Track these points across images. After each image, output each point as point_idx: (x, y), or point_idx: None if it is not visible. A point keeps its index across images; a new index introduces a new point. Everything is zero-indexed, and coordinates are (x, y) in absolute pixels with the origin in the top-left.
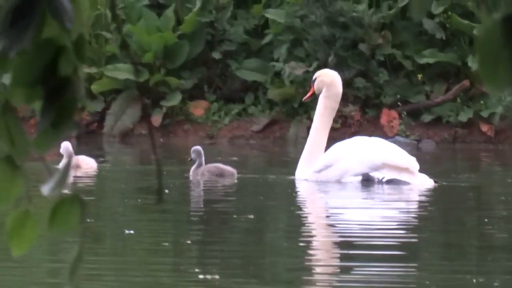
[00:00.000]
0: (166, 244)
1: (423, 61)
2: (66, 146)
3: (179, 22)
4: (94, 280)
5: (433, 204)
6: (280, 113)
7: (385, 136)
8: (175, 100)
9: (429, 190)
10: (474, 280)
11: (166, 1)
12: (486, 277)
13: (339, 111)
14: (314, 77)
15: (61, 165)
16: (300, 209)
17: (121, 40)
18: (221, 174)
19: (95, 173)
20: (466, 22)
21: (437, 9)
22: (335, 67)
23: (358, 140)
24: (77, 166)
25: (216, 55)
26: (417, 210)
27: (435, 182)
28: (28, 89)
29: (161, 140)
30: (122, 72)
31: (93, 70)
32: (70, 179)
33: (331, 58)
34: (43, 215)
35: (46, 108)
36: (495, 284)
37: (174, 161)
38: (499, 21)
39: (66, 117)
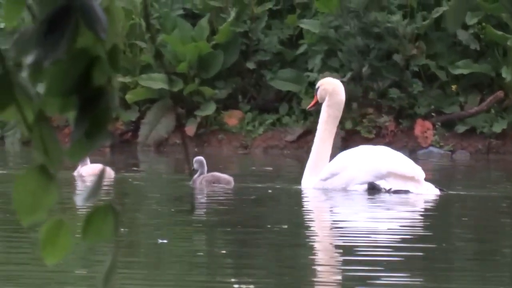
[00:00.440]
0: (201, 254)
1: (457, 72)
2: None
3: (213, 32)
4: None
5: (439, 212)
6: (314, 123)
7: (419, 146)
8: (209, 110)
9: (435, 199)
10: None
11: (201, 11)
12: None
13: (373, 121)
14: (317, 86)
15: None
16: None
17: (155, 50)
18: (217, 182)
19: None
20: (500, 33)
21: (471, 20)
22: (369, 78)
23: (363, 148)
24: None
25: (251, 65)
26: (422, 219)
27: (440, 190)
28: (62, 99)
29: (195, 149)
30: (156, 81)
31: (127, 79)
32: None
33: (365, 69)
34: (77, 225)
35: (80, 118)
36: None
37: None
38: None
39: (100, 126)
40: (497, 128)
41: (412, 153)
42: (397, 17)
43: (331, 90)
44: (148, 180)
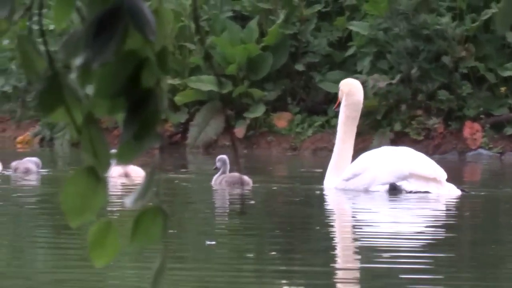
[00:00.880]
0: (249, 255)
1: (506, 74)
2: None
3: (262, 34)
4: None
5: (462, 213)
6: (363, 125)
7: (468, 148)
8: (258, 111)
9: (456, 199)
10: None
11: (250, 13)
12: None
13: (422, 123)
14: (339, 87)
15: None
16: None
17: (205, 52)
18: (236, 183)
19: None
20: None
21: None
22: (418, 80)
23: (385, 149)
24: (126, 175)
25: (300, 67)
26: (444, 219)
27: (462, 191)
28: (111, 101)
29: (245, 151)
30: (205, 83)
31: (176, 81)
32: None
33: (414, 71)
34: (126, 227)
35: (129, 120)
36: None
37: (257, 173)
38: None
39: (149, 128)
40: None
41: (461, 155)
42: (446, 19)
43: (347, 91)
44: (196, 181)
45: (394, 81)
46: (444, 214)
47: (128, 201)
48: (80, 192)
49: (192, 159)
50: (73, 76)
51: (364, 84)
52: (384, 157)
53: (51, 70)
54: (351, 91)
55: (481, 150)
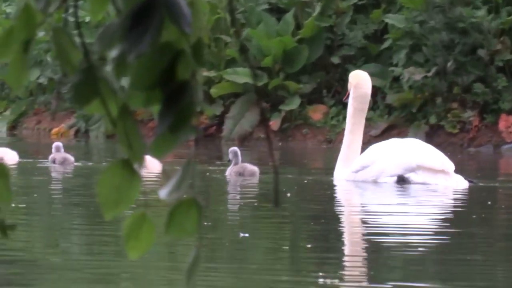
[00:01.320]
0: (284, 247)
1: None
2: None
3: (298, 26)
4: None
5: (471, 204)
6: (399, 117)
7: (503, 141)
8: (294, 104)
9: (464, 190)
10: None
11: (286, 5)
12: None
13: (457, 116)
14: (348, 79)
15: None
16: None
17: (240, 44)
18: (243, 173)
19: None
20: None
21: None
22: (454, 73)
23: (394, 141)
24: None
25: (335, 59)
26: (451, 210)
27: (470, 182)
28: (146, 93)
29: (280, 144)
30: (241, 76)
31: (212, 73)
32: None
33: (450, 64)
34: (160, 219)
35: (164, 112)
36: None
37: (293, 165)
38: None
39: (184, 121)
40: None
41: (496, 148)
42: (482, 12)
43: (355, 83)
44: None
45: (429, 74)
46: (453, 205)
47: (163, 193)
48: (115, 185)
49: (227, 152)
50: (108, 68)
51: (399, 77)
52: (392, 149)
53: (86, 62)
54: (358, 84)
55: None
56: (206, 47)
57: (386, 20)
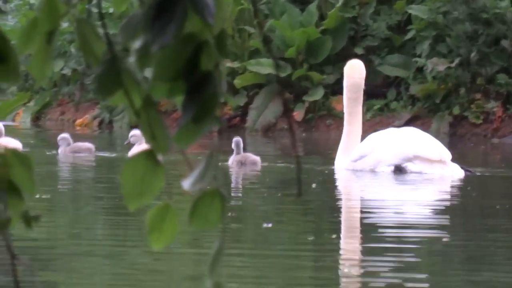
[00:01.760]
0: (308, 238)
1: None
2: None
3: (322, 17)
4: (231, 277)
5: (466, 193)
6: (422, 108)
7: None
8: (317, 95)
9: (460, 180)
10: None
11: None
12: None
13: (481, 107)
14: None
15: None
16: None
17: (264, 35)
18: (244, 163)
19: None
20: None
21: None
22: (477, 63)
23: (391, 131)
24: None
25: (359, 50)
26: (447, 199)
27: (466, 171)
28: (170, 84)
29: (303, 134)
30: (265, 66)
31: (235, 64)
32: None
33: (473, 54)
34: (184, 210)
35: (188, 103)
36: None
37: (316, 156)
38: None
39: (207, 112)
40: None
41: None
42: (505, 3)
43: (347, 73)
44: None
45: (453, 65)
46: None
47: (187, 184)
48: (139, 176)
49: (251, 142)
50: (132, 59)
51: (423, 67)
52: (389, 139)
53: (110, 53)
54: (348, 73)
55: None
56: (230, 38)
57: (410, 11)
